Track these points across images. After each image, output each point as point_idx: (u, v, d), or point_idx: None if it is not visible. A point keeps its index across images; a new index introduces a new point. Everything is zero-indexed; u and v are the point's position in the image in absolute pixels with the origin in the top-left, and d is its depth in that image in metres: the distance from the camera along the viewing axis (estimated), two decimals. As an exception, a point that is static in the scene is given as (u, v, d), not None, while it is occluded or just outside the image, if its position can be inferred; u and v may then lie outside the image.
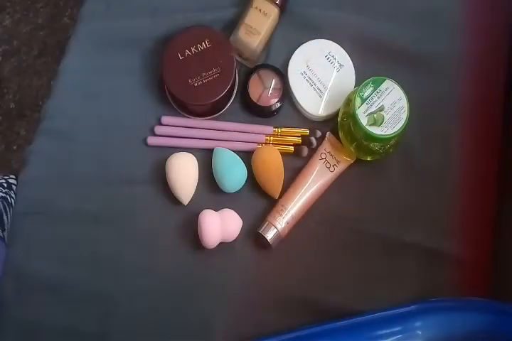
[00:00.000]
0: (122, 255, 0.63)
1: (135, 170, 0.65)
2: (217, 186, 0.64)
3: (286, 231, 0.63)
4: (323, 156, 0.65)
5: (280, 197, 0.64)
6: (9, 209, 0.64)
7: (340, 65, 0.67)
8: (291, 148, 0.66)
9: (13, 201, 0.64)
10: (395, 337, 0.56)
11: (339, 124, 0.65)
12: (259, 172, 0.64)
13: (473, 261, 0.64)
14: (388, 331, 0.56)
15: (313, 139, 0.66)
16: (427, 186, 0.66)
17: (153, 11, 0.70)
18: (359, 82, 0.63)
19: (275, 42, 0.69)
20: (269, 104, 0.66)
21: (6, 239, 0.63)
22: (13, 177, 0.68)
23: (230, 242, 0.62)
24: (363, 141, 0.61)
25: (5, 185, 0.66)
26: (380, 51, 0.68)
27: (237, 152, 0.65)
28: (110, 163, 0.66)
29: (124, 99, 0.67)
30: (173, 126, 0.66)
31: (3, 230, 0.63)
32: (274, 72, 0.67)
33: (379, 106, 0.60)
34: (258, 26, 0.66)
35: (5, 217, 0.63)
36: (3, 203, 0.64)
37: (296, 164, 0.66)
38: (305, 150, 0.66)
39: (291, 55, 0.67)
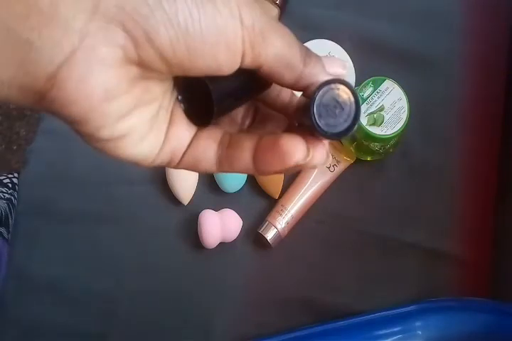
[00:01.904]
0: (122, 255, 0.63)
1: (135, 170, 0.65)
2: (217, 186, 0.64)
3: (286, 231, 0.63)
4: (323, 156, 0.65)
5: (280, 197, 0.64)
6: (13, 210, 0.64)
7: (340, 65, 0.67)
8: (291, 148, 0.66)
9: (16, 202, 0.64)
10: (395, 337, 0.56)
11: (339, 124, 0.64)
12: (259, 172, 0.63)
13: (473, 261, 0.64)
14: (388, 331, 0.56)
15: (313, 139, 0.66)
16: (426, 186, 0.65)
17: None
18: (359, 82, 0.63)
19: (275, 42, 0.68)
20: (269, 104, 0.66)
21: (9, 240, 0.63)
22: (17, 176, 0.68)
23: (230, 242, 0.62)
24: (363, 141, 0.61)
25: (10, 185, 0.66)
26: (380, 51, 0.68)
27: (237, 152, 0.64)
28: (110, 163, 0.65)
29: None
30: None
31: (8, 232, 0.63)
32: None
33: (379, 106, 0.60)
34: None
35: (10, 219, 0.63)
36: (8, 205, 0.64)
37: (296, 164, 0.65)
38: (305, 151, 0.66)
39: (291, 55, 0.67)
